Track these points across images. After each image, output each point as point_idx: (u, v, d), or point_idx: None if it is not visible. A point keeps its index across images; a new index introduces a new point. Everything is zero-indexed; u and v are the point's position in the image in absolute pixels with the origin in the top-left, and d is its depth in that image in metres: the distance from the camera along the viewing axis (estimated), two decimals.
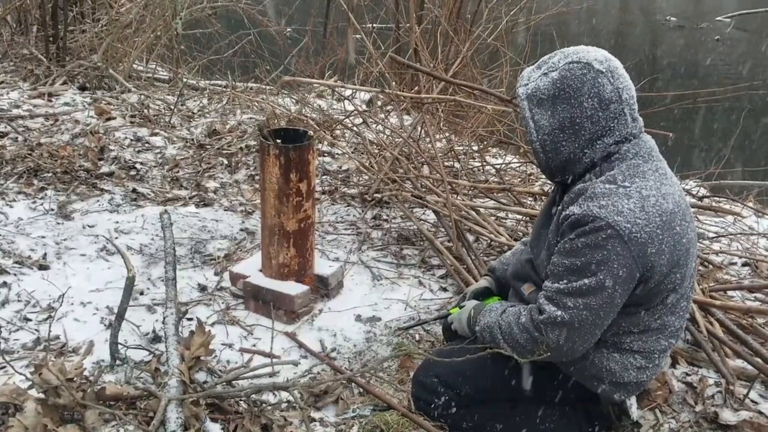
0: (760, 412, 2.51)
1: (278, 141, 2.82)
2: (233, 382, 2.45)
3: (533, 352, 2.05)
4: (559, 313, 2.01)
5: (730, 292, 3.30)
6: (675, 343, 2.25)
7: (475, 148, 4.85)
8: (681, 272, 2.03)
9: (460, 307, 2.50)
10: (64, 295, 2.83)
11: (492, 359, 2.14)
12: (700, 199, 3.87)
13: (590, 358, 2.15)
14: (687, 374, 2.72)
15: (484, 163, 4.56)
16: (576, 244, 1.97)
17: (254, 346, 2.80)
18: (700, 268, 3.32)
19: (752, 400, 2.57)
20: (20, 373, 2.27)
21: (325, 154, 4.92)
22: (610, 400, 2.27)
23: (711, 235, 3.81)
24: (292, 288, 2.95)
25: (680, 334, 2.24)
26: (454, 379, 2.30)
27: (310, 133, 2.93)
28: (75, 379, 2.19)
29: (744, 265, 3.71)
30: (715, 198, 4.15)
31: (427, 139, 4.44)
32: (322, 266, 3.18)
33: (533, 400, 2.30)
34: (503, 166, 4.69)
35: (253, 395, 2.40)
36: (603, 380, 2.19)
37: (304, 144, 2.83)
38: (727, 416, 2.46)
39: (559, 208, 2.10)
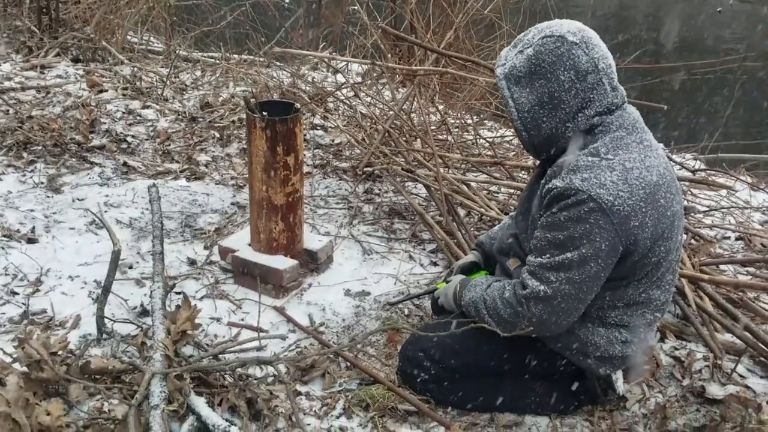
0: (747, 387, 2.51)
1: (265, 114, 2.78)
2: (219, 356, 2.45)
3: (517, 327, 2.04)
4: (542, 287, 2.00)
5: (722, 266, 3.29)
6: (661, 317, 2.24)
7: (469, 121, 4.81)
8: (666, 245, 2.02)
9: (447, 282, 2.49)
10: (42, 268, 2.83)
11: (477, 333, 2.13)
12: (693, 172, 3.84)
13: (575, 332, 2.15)
14: (675, 348, 2.71)
15: (478, 137, 4.53)
16: (558, 217, 1.95)
17: (242, 320, 2.79)
18: (691, 242, 3.31)
19: (740, 375, 2.57)
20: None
21: (318, 128, 4.88)
22: (596, 374, 2.27)
23: (702, 208, 3.79)
24: (281, 262, 2.94)
25: (666, 308, 2.23)
26: (439, 353, 2.31)
27: (297, 105, 2.89)
28: (59, 352, 2.18)
29: (738, 239, 3.69)
30: (710, 171, 4.12)
31: (420, 112, 4.40)
32: (312, 240, 3.16)
33: (518, 374, 2.30)
34: (496, 139, 4.65)
35: (239, 369, 2.40)
36: (588, 354, 2.19)
37: (290, 117, 2.79)
38: (714, 390, 2.46)
39: (543, 181, 2.08)
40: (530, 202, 2.17)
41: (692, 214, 3.50)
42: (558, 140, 2.04)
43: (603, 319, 2.14)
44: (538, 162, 2.27)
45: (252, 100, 2.84)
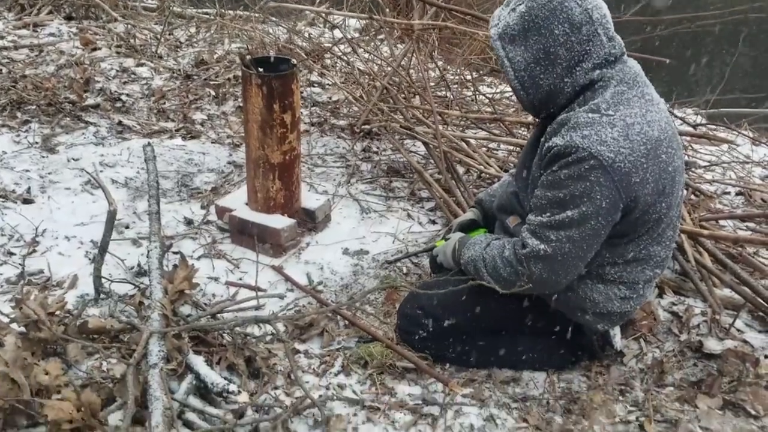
0: (745, 341, 2.51)
1: (260, 70, 2.73)
2: (217, 315, 2.44)
3: (516, 285, 2.04)
4: (542, 246, 1.99)
5: (722, 222, 3.28)
6: (661, 273, 2.23)
7: (468, 77, 4.75)
8: (667, 201, 2.00)
9: (446, 240, 2.48)
10: (38, 228, 2.80)
11: (475, 291, 2.13)
12: (694, 127, 3.79)
13: (574, 289, 2.14)
14: (673, 304, 2.72)
15: (477, 93, 4.47)
16: (559, 175, 1.93)
17: (240, 279, 2.78)
18: (691, 197, 3.29)
19: (738, 329, 2.58)
20: None
21: (315, 85, 4.82)
22: (594, 330, 2.27)
23: (703, 163, 3.75)
24: (278, 221, 2.92)
25: (666, 264, 2.22)
26: (437, 310, 2.31)
27: (293, 61, 2.84)
28: (57, 312, 2.18)
29: (738, 194, 3.67)
30: (711, 126, 4.08)
31: (419, 68, 4.34)
32: (310, 199, 3.14)
33: (516, 330, 2.30)
34: (495, 95, 4.59)
35: (237, 328, 2.40)
36: (587, 311, 2.18)
37: (286, 73, 2.74)
38: (712, 345, 2.47)
39: (543, 139, 2.04)
40: (530, 161, 2.14)
41: (693, 169, 3.47)
42: (557, 97, 1.99)
43: (602, 275, 2.13)
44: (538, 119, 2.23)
45: (247, 56, 2.79)
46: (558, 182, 1.94)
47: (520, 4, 1.95)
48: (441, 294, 2.16)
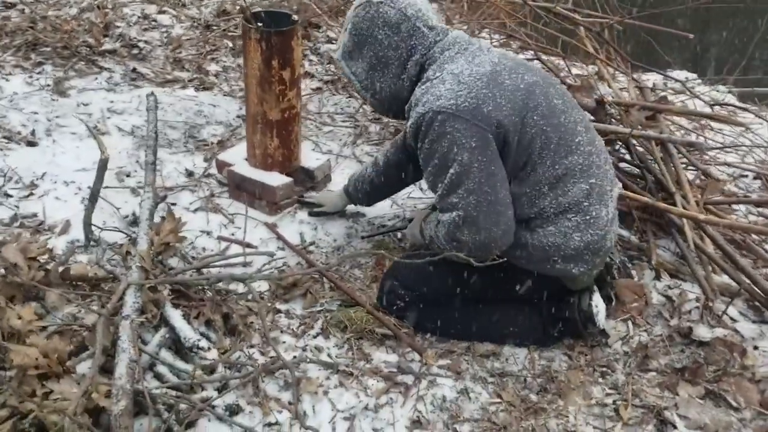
0: (736, 330, 2.44)
1: (260, 24, 2.69)
2: (203, 270, 2.45)
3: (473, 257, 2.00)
4: (453, 214, 2.07)
5: (734, 206, 3.17)
6: (601, 182, 2.16)
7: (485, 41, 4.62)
8: (538, 112, 2.05)
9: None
10: (38, 172, 2.81)
11: (449, 261, 2.10)
12: (712, 107, 3.63)
13: (529, 242, 2.14)
14: (669, 287, 2.65)
15: None
16: (424, 147, 2.07)
17: (233, 235, 2.78)
18: (700, 178, 3.17)
19: (731, 318, 2.51)
20: None
21: (333, 41, 4.74)
22: (571, 276, 2.21)
23: (713, 144, 3.57)
24: (275, 179, 2.90)
25: (595, 170, 2.15)
26: (415, 281, 2.32)
27: (295, 17, 2.78)
28: (38, 258, 2.20)
29: (755, 178, 3.54)
30: (727, 106, 3.93)
31: None
32: (310, 159, 3.11)
33: (494, 299, 2.28)
34: None
35: (221, 284, 2.40)
36: (553, 258, 2.15)
37: (286, 29, 2.69)
38: (701, 332, 2.41)
39: (405, 133, 2.28)
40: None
41: (701, 150, 3.29)
42: (400, 93, 2.23)
43: (544, 215, 2.12)
44: None
45: (248, 8, 2.74)
46: (427, 152, 2.07)
47: (348, 24, 2.24)
48: (416, 264, 2.14)
